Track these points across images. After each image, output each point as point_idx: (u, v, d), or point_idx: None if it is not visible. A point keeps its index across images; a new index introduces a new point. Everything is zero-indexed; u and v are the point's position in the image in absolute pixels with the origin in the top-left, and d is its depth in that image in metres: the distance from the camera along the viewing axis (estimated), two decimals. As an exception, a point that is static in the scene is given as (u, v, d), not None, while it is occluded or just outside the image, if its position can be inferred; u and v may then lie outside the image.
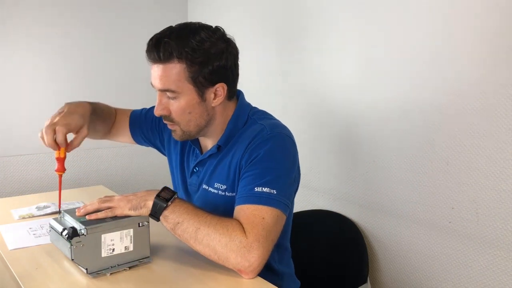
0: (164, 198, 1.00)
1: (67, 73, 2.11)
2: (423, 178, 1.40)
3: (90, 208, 1.02)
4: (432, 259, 1.41)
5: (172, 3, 2.38)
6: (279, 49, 1.89)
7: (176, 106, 1.07)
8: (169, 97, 1.07)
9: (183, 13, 2.42)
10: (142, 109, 1.39)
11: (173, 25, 1.07)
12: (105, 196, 1.06)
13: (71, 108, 1.14)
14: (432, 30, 1.33)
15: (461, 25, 1.26)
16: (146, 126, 1.35)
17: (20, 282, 0.95)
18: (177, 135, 1.13)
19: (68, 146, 1.11)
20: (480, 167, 1.26)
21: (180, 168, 1.27)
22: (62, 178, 1.11)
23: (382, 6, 1.46)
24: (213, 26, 1.08)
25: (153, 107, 1.35)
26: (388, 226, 1.53)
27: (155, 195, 1.01)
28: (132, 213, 1.01)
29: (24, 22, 1.98)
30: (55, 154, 1.09)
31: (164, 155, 1.37)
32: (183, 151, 1.26)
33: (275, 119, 1.18)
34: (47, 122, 1.09)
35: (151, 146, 1.39)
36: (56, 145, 1.07)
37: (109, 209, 1.01)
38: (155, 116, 1.32)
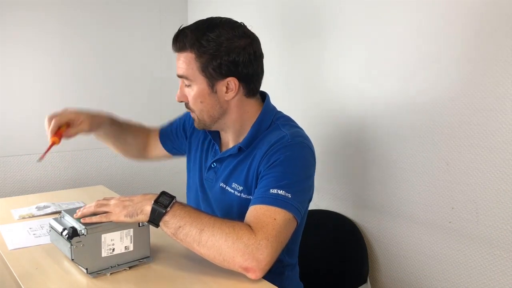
0: (162, 204, 0.98)
1: (67, 73, 2.10)
2: (423, 178, 1.40)
3: (86, 211, 1.02)
4: (432, 259, 1.41)
5: (172, 3, 2.38)
6: (282, 48, 1.89)
7: (190, 94, 1.12)
8: (186, 85, 1.12)
9: (183, 13, 2.42)
10: (168, 122, 1.43)
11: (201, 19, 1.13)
12: (104, 199, 1.05)
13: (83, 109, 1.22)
14: (433, 30, 1.33)
15: (462, 25, 1.26)
16: (174, 136, 1.39)
17: (20, 282, 0.95)
18: (195, 123, 1.18)
19: (64, 134, 1.16)
20: (480, 167, 1.26)
21: (199, 162, 1.27)
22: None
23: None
24: (238, 22, 1.12)
25: (177, 118, 1.41)
26: (388, 226, 1.53)
27: (152, 201, 0.98)
28: (128, 220, 0.99)
29: (24, 22, 1.98)
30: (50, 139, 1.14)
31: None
32: (203, 146, 1.28)
33: (298, 127, 1.19)
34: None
35: (184, 155, 1.40)
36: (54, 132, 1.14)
37: (104, 214, 1.00)
38: (178, 123, 1.39)
